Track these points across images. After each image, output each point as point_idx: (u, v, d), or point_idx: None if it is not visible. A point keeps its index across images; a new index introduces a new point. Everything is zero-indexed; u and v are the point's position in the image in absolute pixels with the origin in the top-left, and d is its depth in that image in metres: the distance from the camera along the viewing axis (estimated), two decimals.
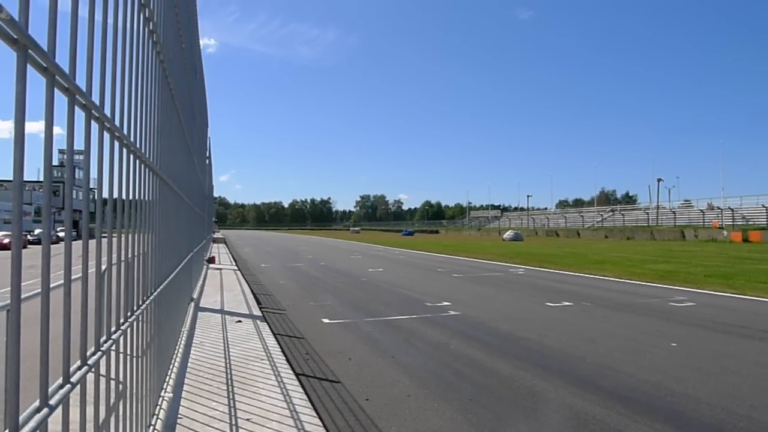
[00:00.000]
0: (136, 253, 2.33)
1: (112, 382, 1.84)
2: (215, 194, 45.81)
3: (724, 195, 68.19)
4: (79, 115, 1.34)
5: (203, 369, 4.75)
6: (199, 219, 10.81)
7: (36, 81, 1.12)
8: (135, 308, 2.25)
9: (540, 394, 5.20)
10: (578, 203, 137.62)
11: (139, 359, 2.43)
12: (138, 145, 2.17)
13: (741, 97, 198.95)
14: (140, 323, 2.43)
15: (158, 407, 3.19)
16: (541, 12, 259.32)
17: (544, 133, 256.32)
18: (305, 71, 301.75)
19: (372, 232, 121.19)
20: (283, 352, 5.76)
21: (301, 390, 4.27)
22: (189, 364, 4.87)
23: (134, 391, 2.31)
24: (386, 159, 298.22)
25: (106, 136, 1.61)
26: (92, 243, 1.67)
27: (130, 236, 2.20)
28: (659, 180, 75.49)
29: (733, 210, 62.26)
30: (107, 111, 1.59)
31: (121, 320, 1.96)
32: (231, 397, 3.99)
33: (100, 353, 1.57)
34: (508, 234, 62.94)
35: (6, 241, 32.07)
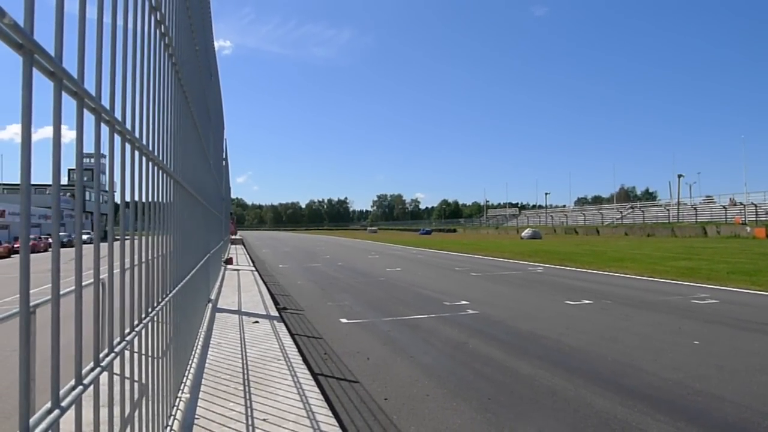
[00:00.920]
0: (151, 256, 2.34)
1: (127, 384, 1.85)
2: (232, 196, 46.15)
3: (747, 190, 66.78)
4: (90, 119, 1.35)
5: (220, 369, 4.78)
6: (216, 220, 10.90)
7: (49, 85, 1.12)
8: (150, 310, 2.26)
9: (560, 393, 5.14)
10: (597, 200, 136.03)
11: (156, 360, 2.45)
12: (151, 148, 2.18)
13: (762, 92, 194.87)
14: (156, 324, 2.45)
15: (175, 408, 3.21)
16: (557, 8, 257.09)
17: (562, 131, 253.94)
18: (320, 71, 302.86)
19: (389, 231, 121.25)
20: (300, 352, 5.78)
21: (318, 390, 4.27)
22: (206, 365, 4.91)
23: (151, 391, 2.32)
24: (402, 158, 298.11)
25: (117, 139, 1.62)
26: (106, 245, 1.68)
27: (144, 239, 2.21)
28: (680, 176, 74.30)
29: (756, 205, 60.97)
30: (118, 114, 1.59)
31: (136, 322, 1.97)
32: (248, 397, 4.01)
33: (113, 354, 1.57)
34: (526, 232, 62.49)
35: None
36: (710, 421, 4.39)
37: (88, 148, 1.51)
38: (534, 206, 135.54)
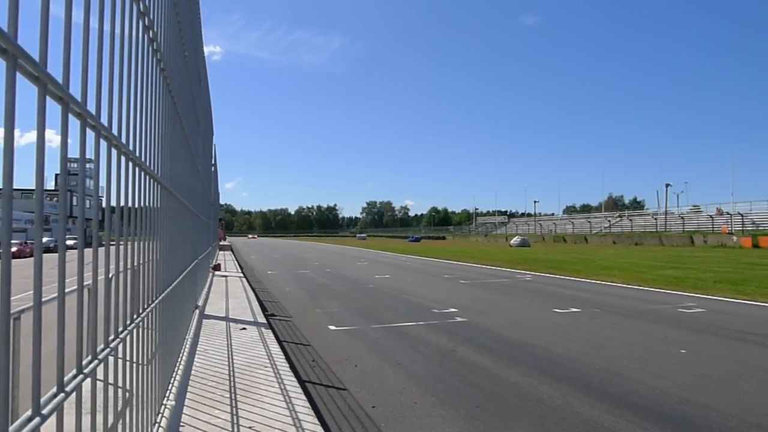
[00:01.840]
0: (137, 262, 2.32)
1: (111, 391, 1.83)
2: (221, 201, 45.94)
3: (734, 200, 67.56)
4: (75, 124, 1.34)
5: (207, 376, 4.74)
6: (204, 226, 10.83)
7: (33, 89, 1.12)
8: (135, 316, 2.24)
9: (548, 401, 5.15)
10: (586, 209, 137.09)
11: (142, 367, 2.42)
12: (138, 154, 2.17)
13: (750, 102, 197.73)
14: (142, 331, 2.43)
15: (160, 415, 3.18)
16: (546, 18, 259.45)
17: (551, 139, 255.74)
18: (310, 78, 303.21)
19: (378, 238, 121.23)
20: (287, 359, 5.74)
21: (305, 398, 4.24)
22: (192, 372, 4.86)
23: (136, 399, 2.30)
24: (392, 165, 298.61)
25: (103, 144, 1.61)
26: (90, 252, 1.66)
27: (130, 244, 2.20)
28: (667, 185, 74.94)
29: (742, 215, 61.72)
30: (104, 120, 1.58)
31: (120, 328, 1.95)
32: (234, 405, 3.98)
33: (96, 361, 1.56)
34: (515, 240, 62.77)
35: (12, 249, 32.24)
36: (696, 430, 4.41)
37: (74, 153, 1.50)
38: (523, 214, 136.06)
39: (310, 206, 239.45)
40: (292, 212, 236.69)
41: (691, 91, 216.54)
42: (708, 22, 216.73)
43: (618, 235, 70.40)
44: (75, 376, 1.40)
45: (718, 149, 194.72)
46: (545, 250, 47.11)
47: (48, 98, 1.15)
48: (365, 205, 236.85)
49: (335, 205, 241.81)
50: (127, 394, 2.15)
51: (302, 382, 5.26)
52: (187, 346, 5.49)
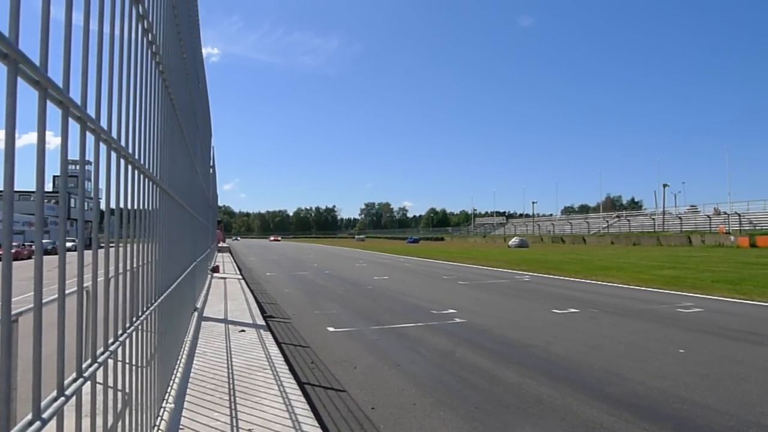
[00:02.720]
0: (136, 264, 2.32)
1: (110, 394, 1.83)
2: (220, 203, 45.84)
3: (731, 200, 67.86)
4: (75, 127, 1.34)
5: (205, 379, 4.74)
6: (203, 228, 10.83)
7: (34, 93, 1.12)
8: (135, 319, 2.24)
9: (547, 401, 5.15)
10: (584, 209, 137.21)
11: (141, 370, 2.42)
12: (137, 156, 2.17)
13: (746, 102, 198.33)
14: (142, 333, 2.43)
15: (159, 418, 3.18)
16: (543, 19, 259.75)
17: (549, 140, 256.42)
18: (308, 80, 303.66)
19: (377, 239, 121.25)
20: (286, 361, 5.74)
21: (304, 400, 4.24)
22: (191, 374, 4.86)
23: (135, 402, 2.30)
24: (391, 167, 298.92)
25: (103, 147, 1.61)
26: (89, 254, 1.67)
27: (129, 247, 2.20)
28: (665, 185, 75.13)
29: (740, 215, 61.88)
30: (104, 123, 1.59)
31: (120, 331, 1.95)
32: (233, 407, 3.98)
33: (96, 365, 1.56)
34: (513, 241, 62.80)
35: (12, 251, 32.19)
36: (696, 429, 4.42)
37: (74, 156, 1.50)
38: (521, 215, 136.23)
39: (308, 208, 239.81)
40: (291, 214, 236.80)
41: (687, 91, 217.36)
42: (705, 21, 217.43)
43: (616, 235, 70.51)
44: (75, 380, 1.40)
45: (715, 149, 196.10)
46: (543, 250, 47.15)
47: (48, 102, 1.15)
48: (364, 207, 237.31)
49: (334, 206, 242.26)
50: (127, 397, 2.15)
51: (301, 384, 5.26)
52: (186, 348, 5.49)
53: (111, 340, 1.82)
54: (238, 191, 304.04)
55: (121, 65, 1.86)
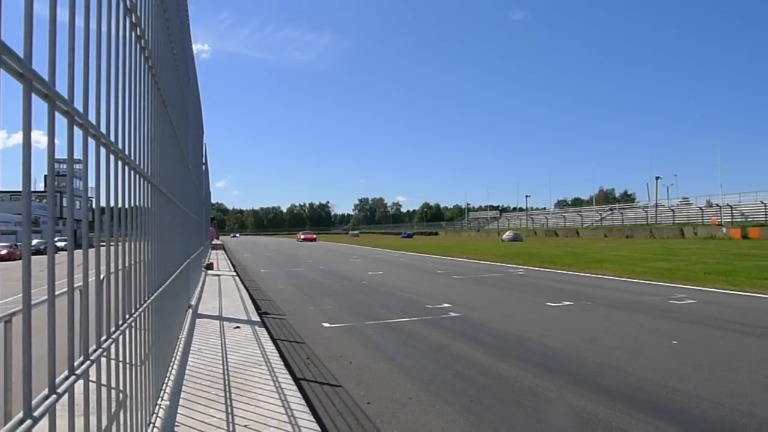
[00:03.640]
0: (128, 262, 2.30)
1: (104, 392, 1.81)
2: (212, 200, 45.69)
3: (723, 192, 68.32)
4: (62, 122, 1.32)
5: (201, 376, 4.72)
6: (196, 225, 10.78)
7: (18, 87, 1.10)
8: (128, 316, 2.22)
9: (542, 394, 5.17)
10: (577, 202, 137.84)
11: (135, 367, 2.41)
12: (127, 152, 2.14)
13: (739, 94, 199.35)
14: (135, 331, 2.41)
15: (155, 416, 3.16)
16: (535, 12, 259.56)
17: (542, 133, 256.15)
18: (300, 75, 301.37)
19: (371, 235, 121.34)
20: (281, 357, 5.73)
21: (300, 395, 4.24)
22: (186, 372, 4.84)
23: (129, 400, 2.28)
24: (384, 162, 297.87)
25: (92, 143, 1.59)
26: (80, 252, 1.65)
27: (121, 244, 2.18)
28: (657, 178, 75.41)
29: (731, 207, 62.27)
30: (92, 117, 1.56)
31: (113, 329, 1.94)
32: (228, 404, 3.96)
33: (88, 362, 1.54)
34: (507, 234, 62.87)
35: (3, 252, 32.04)
36: (689, 420, 4.45)
37: (62, 152, 1.48)
38: (515, 209, 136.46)
39: (302, 204, 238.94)
40: (285, 210, 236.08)
41: (680, 84, 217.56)
42: (696, 13, 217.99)
43: (609, 228, 70.88)
44: (67, 378, 1.38)
45: (707, 141, 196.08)
46: (537, 244, 47.30)
47: (34, 97, 1.13)
48: (357, 202, 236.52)
49: (327, 202, 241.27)
50: (121, 395, 2.13)
51: (297, 380, 5.26)
52: (181, 345, 5.47)
53: (104, 338, 1.80)
54: (230, 188, 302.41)
55: (109, 60, 1.83)
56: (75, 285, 1.49)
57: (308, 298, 12.77)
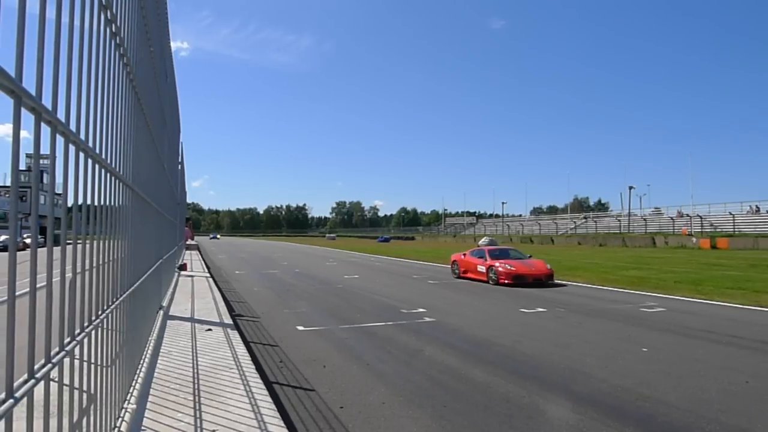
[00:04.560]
0: (97, 262, 2.25)
1: (67, 395, 1.76)
2: (188, 200, 45.09)
3: (693, 202, 69.79)
4: (29, 119, 1.29)
5: (170, 379, 4.64)
6: (170, 225, 10.62)
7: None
8: (94, 318, 2.17)
9: (514, 400, 5.20)
10: (552, 210, 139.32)
11: (102, 370, 2.35)
12: (98, 151, 2.10)
13: (709, 104, 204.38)
14: (103, 332, 2.36)
15: (120, 419, 3.10)
16: (514, 21, 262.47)
17: (519, 141, 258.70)
18: (280, 77, 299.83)
19: (348, 238, 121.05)
20: (254, 360, 5.66)
21: (270, 400, 4.19)
22: (155, 374, 4.75)
23: (96, 403, 2.23)
24: (362, 165, 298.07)
25: (60, 140, 1.55)
26: (44, 251, 1.60)
27: (89, 243, 2.13)
28: (631, 187, 76.75)
29: (701, 217, 63.69)
30: (61, 115, 1.53)
31: (77, 330, 1.89)
32: (197, 407, 3.90)
33: (50, 365, 1.50)
34: (483, 240, 62.57)
35: None
36: (657, 426, 4.52)
37: (30, 149, 1.44)
38: (491, 215, 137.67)
39: (279, 206, 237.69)
40: (261, 212, 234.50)
41: (654, 94, 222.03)
42: (673, 23, 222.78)
43: (583, 236, 71.81)
44: (26, 381, 1.34)
45: (679, 152, 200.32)
46: None
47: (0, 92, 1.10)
48: (335, 205, 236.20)
49: (305, 204, 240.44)
50: (86, 398, 2.08)
51: (269, 384, 5.20)
52: (150, 347, 5.37)
53: (68, 340, 1.75)
54: (207, 188, 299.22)
55: (81, 56, 1.79)
56: (39, 285, 1.45)
57: (283, 301, 12.68)
